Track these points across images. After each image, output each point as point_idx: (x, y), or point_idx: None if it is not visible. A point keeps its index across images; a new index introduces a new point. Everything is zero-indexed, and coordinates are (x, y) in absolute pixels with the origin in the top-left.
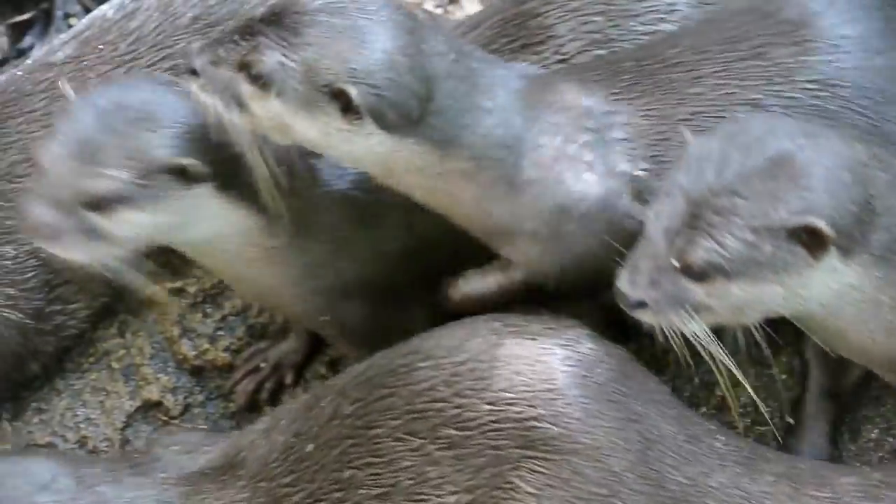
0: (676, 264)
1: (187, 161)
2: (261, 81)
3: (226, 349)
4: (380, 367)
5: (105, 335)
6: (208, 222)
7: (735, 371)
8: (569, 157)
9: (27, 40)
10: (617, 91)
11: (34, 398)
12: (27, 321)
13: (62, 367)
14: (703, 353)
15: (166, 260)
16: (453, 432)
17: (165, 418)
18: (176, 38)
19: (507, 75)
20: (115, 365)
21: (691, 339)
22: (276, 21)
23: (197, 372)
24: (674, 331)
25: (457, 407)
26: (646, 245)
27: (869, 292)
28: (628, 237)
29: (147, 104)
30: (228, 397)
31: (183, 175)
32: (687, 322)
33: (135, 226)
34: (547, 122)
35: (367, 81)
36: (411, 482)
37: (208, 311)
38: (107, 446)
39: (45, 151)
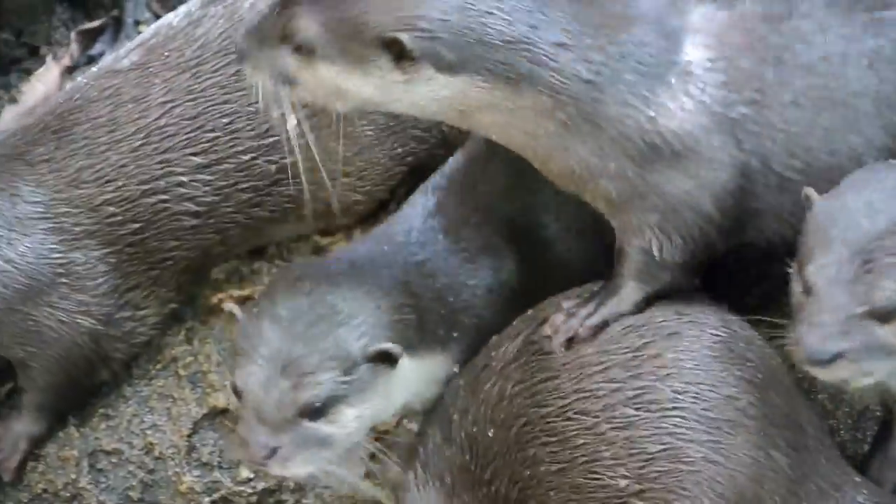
0: (863, 310)
1: (386, 346)
2: (305, 50)
3: None
4: (537, 348)
5: (172, 342)
6: (414, 386)
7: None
8: (654, 91)
9: (97, 47)
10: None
11: (101, 404)
12: (98, 327)
13: (130, 374)
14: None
15: (234, 267)
16: (631, 412)
17: (232, 425)
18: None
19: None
20: (182, 372)
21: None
22: None
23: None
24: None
25: (635, 389)
26: (819, 300)
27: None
28: (734, 193)
29: (323, 302)
30: None
31: (386, 359)
32: (886, 367)
33: (354, 420)
34: (629, 52)
35: (417, 25)
36: (586, 459)
37: None
38: (173, 453)
39: (247, 378)
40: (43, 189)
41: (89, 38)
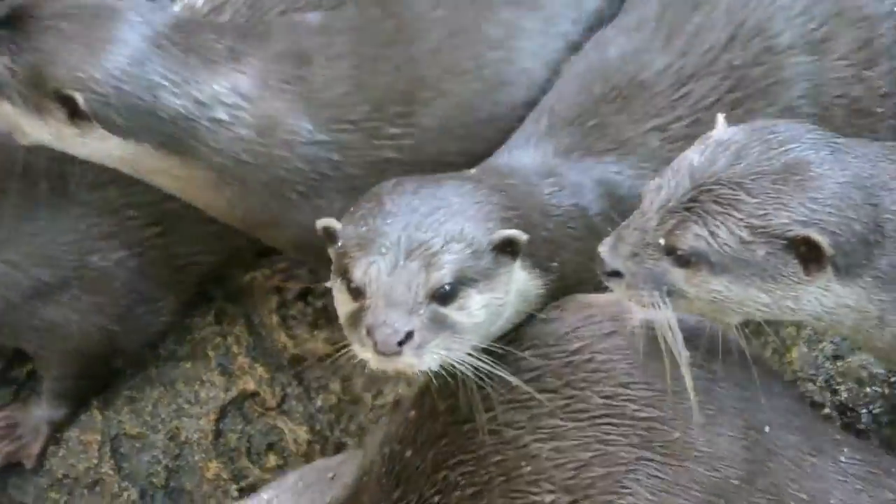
0: (662, 242)
1: (512, 232)
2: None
3: (326, 339)
4: None
5: (201, 323)
6: (518, 298)
7: (686, 372)
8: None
9: None
10: None
11: (126, 387)
12: (112, 326)
13: (156, 355)
14: (661, 345)
15: (266, 248)
16: (558, 422)
17: (262, 410)
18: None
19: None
20: (210, 353)
21: (656, 324)
22: (10, 24)
23: (296, 362)
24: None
25: (566, 398)
26: (638, 216)
27: (872, 313)
28: None
29: (435, 196)
30: (328, 388)
31: (509, 249)
32: (657, 304)
33: (482, 307)
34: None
35: (92, 87)
36: (503, 479)
37: (309, 300)
38: (199, 438)
39: (369, 268)
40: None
41: None
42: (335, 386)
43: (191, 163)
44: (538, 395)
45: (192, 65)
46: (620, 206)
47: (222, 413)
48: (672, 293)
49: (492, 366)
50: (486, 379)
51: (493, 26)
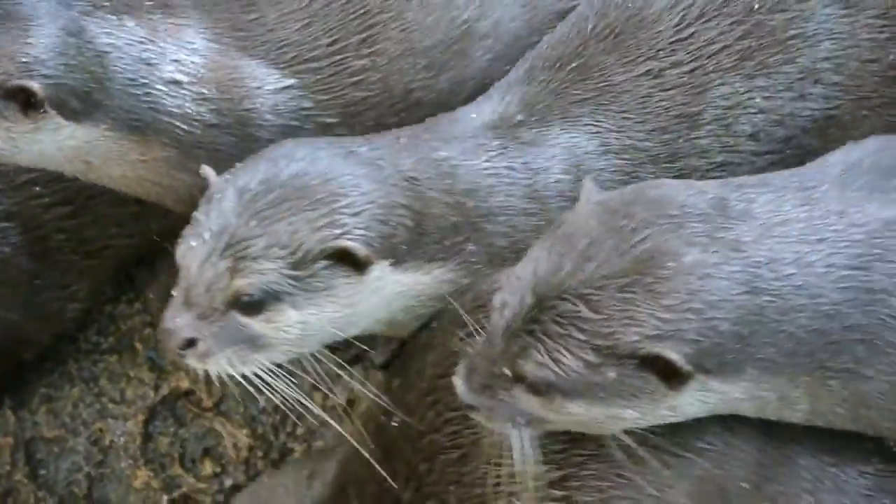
0: (509, 373)
1: (347, 244)
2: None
3: None
4: (461, 307)
5: (127, 311)
6: (400, 301)
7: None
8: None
9: None
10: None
11: (42, 383)
12: (13, 316)
13: (76, 348)
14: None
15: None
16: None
17: (197, 410)
18: None
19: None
20: (138, 346)
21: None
22: None
23: None
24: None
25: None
26: (486, 342)
27: (770, 398)
28: None
29: (297, 179)
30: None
31: (351, 261)
32: (519, 432)
33: (297, 326)
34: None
35: (43, 72)
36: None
37: None
38: (126, 442)
39: (184, 250)
40: None
41: None
42: (279, 384)
43: (152, 142)
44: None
45: (128, 26)
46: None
47: (152, 414)
48: (532, 422)
49: (292, 387)
50: (286, 401)
51: None
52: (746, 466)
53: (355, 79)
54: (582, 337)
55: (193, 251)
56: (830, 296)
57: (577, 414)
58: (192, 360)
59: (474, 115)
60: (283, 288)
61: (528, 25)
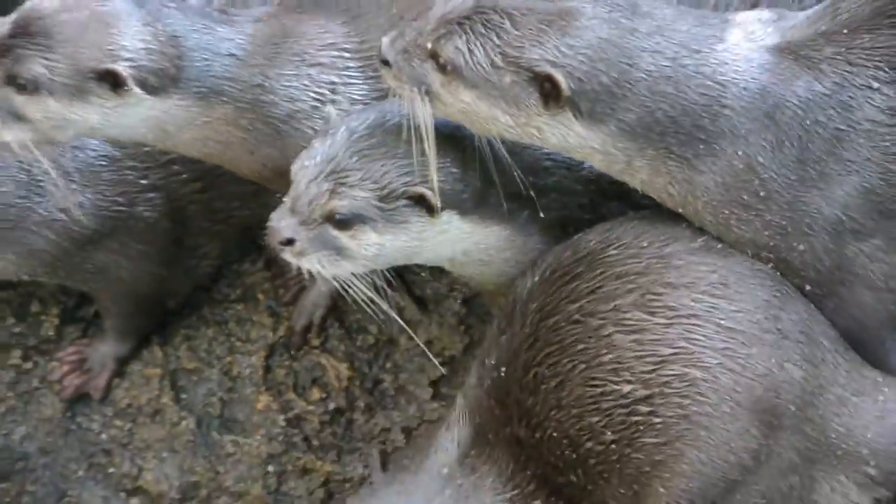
0: (429, 46)
1: (424, 191)
2: (28, 89)
3: None
4: (565, 256)
5: (252, 269)
6: (462, 245)
7: (432, 159)
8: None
9: None
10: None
11: (183, 325)
12: (161, 271)
13: (210, 298)
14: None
15: None
16: (643, 315)
17: (308, 347)
18: None
19: (241, 20)
20: (260, 297)
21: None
22: (24, 31)
23: (335, 308)
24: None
25: (651, 293)
26: (422, 20)
27: (618, 157)
28: None
29: (395, 133)
30: (367, 330)
31: (422, 204)
32: (416, 99)
33: (375, 246)
34: (289, 58)
35: (125, 56)
36: (585, 367)
37: None
38: (251, 373)
39: (298, 168)
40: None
41: None
42: (373, 328)
43: (212, 103)
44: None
45: (191, 14)
46: None
47: (271, 351)
48: (430, 94)
49: (365, 294)
50: (367, 304)
51: None
52: (795, 392)
53: None
54: (497, 42)
55: (305, 170)
56: (691, 97)
57: (465, 102)
58: (288, 255)
59: None
60: (369, 214)
61: None
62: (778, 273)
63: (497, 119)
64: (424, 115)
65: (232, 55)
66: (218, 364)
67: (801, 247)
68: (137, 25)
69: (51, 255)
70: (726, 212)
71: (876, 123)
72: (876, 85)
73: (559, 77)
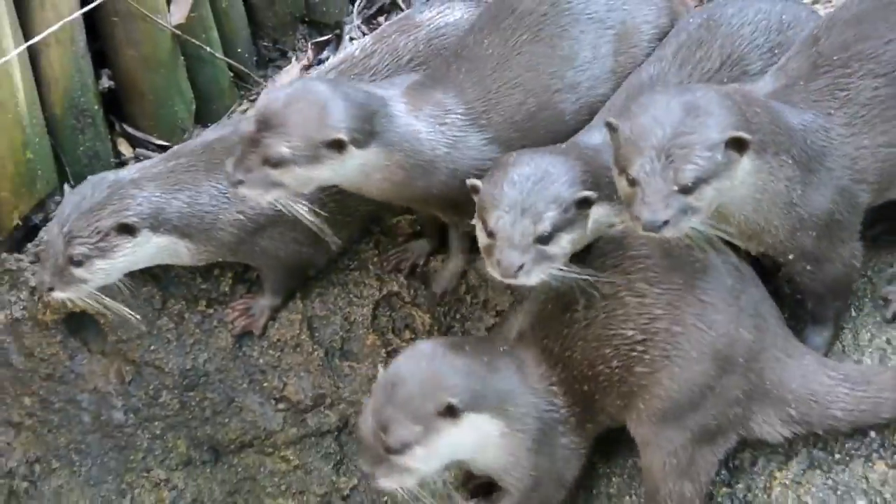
0: (674, 188)
1: (587, 193)
2: (278, 165)
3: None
4: (600, 239)
5: (364, 248)
6: (594, 227)
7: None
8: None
9: (325, 53)
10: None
11: (317, 286)
12: (307, 250)
13: (336, 268)
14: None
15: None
16: (645, 286)
17: (402, 303)
18: (400, 72)
19: (392, 88)
20: (370, 267)
21: (692, 237)
22: (266, 125)
23: (422, 277)
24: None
25: (652, 271)
26: (645, 188)
27: (760, 175)
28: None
29: (541, 168)
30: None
31: (585, 203)
32: (693, 223)
33: (568, 242)
34: (427, 119)
35: (341, 126)
36: (605, 316)
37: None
38: (363, 319)
39: (497, 221)
40: None
41: (320, 47)
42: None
43: (393, 154)
44: (601, 278)
45: (381, 94)
46: None
47: (377, 304)
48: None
49: (577, 273)
50: (573, 280)
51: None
52: (745, 348)
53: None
54: (698, 146)
55: (503, 219)
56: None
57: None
58: (521, 277)
59: (593, 139)
60: (560, 223)
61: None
62: (744, 265)
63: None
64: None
65: (396, 115)
66: (340, 312)
67: (814, 234)
68: (340, 102)
69: (233, 243)
70: (786, 210)
71: (841, 136)
72: (832, 111)
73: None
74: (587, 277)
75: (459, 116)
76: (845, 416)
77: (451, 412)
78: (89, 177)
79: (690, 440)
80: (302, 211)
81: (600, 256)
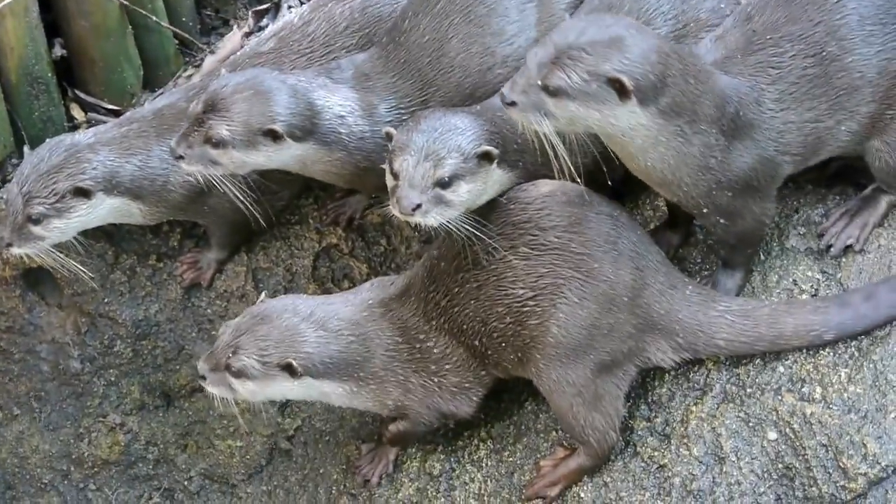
0: (540, 83)
1: (489, 148)
2: (218, 145)
3: (379, 215)
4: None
5: (305, 203)
6: (494, 188)
7: (566, 163)
8: None
9: (264, 21)
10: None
11: (261, 240)
12: (250, 206)
13: (279, 222)
14: (548, 150)
15: None
16: (528, 250)
17: (340, 254)
18: (336, 39)
19: (342, 85)
20: (311, 221)
21: (542, 137)
22: (212, 108)
23: (359, 229)
24: (531, 129)
25: (533, 234)
26: (524, 71)
27: (652, 132)
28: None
29: (448, 121)
30: (379, 243)
31: (487, 158)
32: (539, 121)
33: (466, 192)
34: (370, 117)
35: (280, 119)
36: (496, 278)
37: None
38: (303, 270)
39: (402, 162)
40: None
41: (260, 15)
42: (383, 241)
43: (332, 149)
44: (496, 242)
45: (319, 88)
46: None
47: (317, 256)
48: (547, 114)
49: (472, 225)
50: (470, 232)
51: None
52: (627, 288)
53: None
54: (582, 65)
55: (407, 160)
56: (697, 90)
57: (571, 111)
58: (417, 217)
59: None
60: (459, 171)
61: None
62: (620, 212)
63: (592, 117)
64: (548, 130)
65: (342, 116)
66: (282, 264)
67: (730, 195)
68: (285, 96)
69: (183, 203)
70: (699, 172)
71: (771, 110)
72: (764, 86)
73: (624, 78)
74: (481, 235)
75: (402, 111)
76: (727, 345)
77: (290, 370)
78: (48, 140)
79: (590, 377)
80: (234, 191)
81: (484, 226)
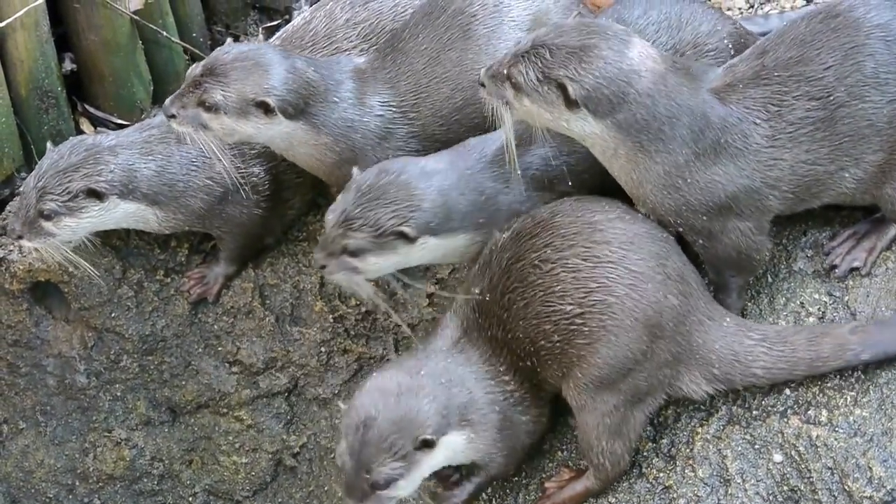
0: (505, 72)
1: (404, 229)
2: (211, 109)
3: None
4: (527, 222)
5: (313, 220)
6: (433, 255)
7: (510, 138)
8: None
9: (273, 38)
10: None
11: (269, 255)
12: (265, 214)
13: (287, 238)
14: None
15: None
16: (579, 261)
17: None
18: (337, 31)
19: (342, 73)
20: (318, 238)
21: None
22: (210, 72)
23: None
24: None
25: (582, 247)
26: (500, 58)
27: (609, 143)
28: None
29: (381, 183)
30: None
31: (404, 236)
32: (502, 109)
33: (374, 265)
34: (363, 107)
35: (275, 92)
36: (543, 293)
37: None
38: (311, 287)
39: (328, 217)
40: None
41: (270, 32)
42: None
43: (319, 132)
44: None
45: (322, 67)
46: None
47: (323, 278)
48: (508, 103)
49: (403, 282)
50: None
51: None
52: (673, 315)
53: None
54: (540, 65)
55: (330, 216)
56: (660, 110)
57: (526, 106)
58: (325, 274)
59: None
60: (369, 246)
61: None
62: (666, 233)
63: (543, 115)
64: (506, 117)
65: (335, 101)
66: (290, 281)
67: (704, 217)
68: (283, 71)
69: (201, 210)
70: (665, 191)
71: (759, 144)
72: (758, 121)
73: (570, 86)
74: (412, 285)
75: (393, 109)
76: (764, 373)
77: (426, 445)
78: (71, 137)
79: (623, 402)
80: (220, 156)
81: (530, 238)
